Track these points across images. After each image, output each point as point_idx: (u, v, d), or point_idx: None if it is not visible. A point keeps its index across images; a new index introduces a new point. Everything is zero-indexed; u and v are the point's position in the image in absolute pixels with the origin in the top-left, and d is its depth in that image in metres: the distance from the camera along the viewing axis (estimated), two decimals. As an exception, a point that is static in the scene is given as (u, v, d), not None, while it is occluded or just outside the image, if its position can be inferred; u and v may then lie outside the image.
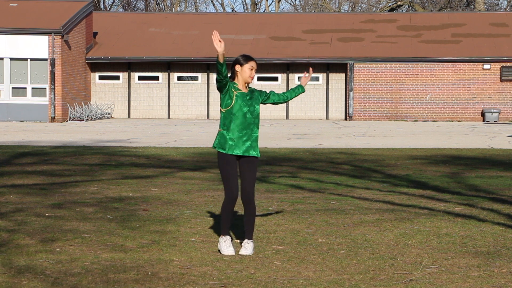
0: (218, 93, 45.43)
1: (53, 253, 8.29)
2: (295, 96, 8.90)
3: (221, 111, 8.50)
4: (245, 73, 8.43)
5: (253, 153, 8.46)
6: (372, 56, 42.64)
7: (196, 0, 77.29)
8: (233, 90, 8.43)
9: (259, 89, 8.74)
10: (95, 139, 27.00)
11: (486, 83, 42.13)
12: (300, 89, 8.91)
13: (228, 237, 8.43)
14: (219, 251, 8.44)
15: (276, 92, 8.98)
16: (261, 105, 8.83)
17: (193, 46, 44.09)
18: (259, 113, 8.56)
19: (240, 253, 8.33)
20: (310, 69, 9.45)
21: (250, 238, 8.49)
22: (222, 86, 8.38)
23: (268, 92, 8.75)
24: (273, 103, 8.82)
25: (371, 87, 42.59)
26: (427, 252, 8.50)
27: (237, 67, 8.44)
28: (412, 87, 42.49)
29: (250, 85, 42.86)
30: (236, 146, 8.42)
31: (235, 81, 8.49)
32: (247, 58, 8.44)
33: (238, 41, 44.27)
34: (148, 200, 12.30)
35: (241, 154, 8.42)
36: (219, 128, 8.49)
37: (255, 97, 8.55)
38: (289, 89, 8.59)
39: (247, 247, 8.39)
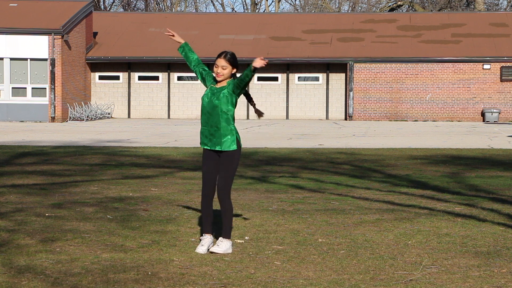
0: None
1: (53, 253, 8.29)
2: (247, 77, 8.24)
3: None
4: (215, 70, 8.53)
5: (218, 147, 8.47)
6: (372, 56, 42.64)
7: (196, 0, 77.32)
8: (207, 84, 8.62)
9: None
10: (95, 139, 27.00)
11: (486, 83, 42.13)
12: (247, 70, 8.32)
13: (204, 235, 8.53)
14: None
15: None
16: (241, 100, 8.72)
17: (193, 46, 44.05)
18: (221, 107, 8.41)
19: (210, 250, 8.37)
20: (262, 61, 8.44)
21: (225, 236, 8.45)
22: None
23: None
24: (239, 89, 8.39)
25: (371, 87, 42.59)
26: (427, 252, 8.49)
27: None
28: (412, 87, 42.49)
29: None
30: (204, 141, 8.55)
31: None
32: (217, 56, 8.50)
33: (238, 41, 44.27)
34: (148, 200, 12.30)
35: (209, 148, 8.54)
36: None
37: (222, 90, 8.47)
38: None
39: (219, 245, 8.40)
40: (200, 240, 8.66)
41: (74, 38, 41.25)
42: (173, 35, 8.79)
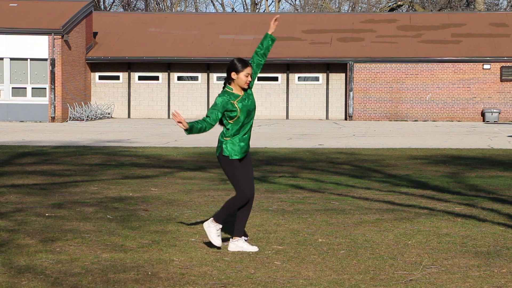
0: (217, 93, 45.49)
1: (53, 253, 8.28)
2: (267, 46, 8.58)
3: (228, 123, 8.39)
4: (241, 80, 8.34)
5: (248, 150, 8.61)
6: (372, 56, 42.64)
7: (196, 0, 77.31)
8: (232, 102, 8.33)
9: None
10: (95, 139, 27.01)
11: (486, 83, 42.14)
12: (267, 36, 8.60)
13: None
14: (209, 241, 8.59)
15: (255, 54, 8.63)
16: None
17: (193, 46, 44.09)
18: (254, 108, 8.54)
19: (249, 250, 8.42)
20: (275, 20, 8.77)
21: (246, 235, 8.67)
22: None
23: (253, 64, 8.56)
24: (260, 64, 8.59)
25: (371, 87, 42.59)
26: (427, 252, 8.49)
27: (233, 74, 8.34)
28: (412, 87, 42.50)
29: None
30: (244, 150, 8.48)
31: (232, 85, 8.40)
32: (243, 65, 8.32)
33: (238, 41, 44.27)
34: (148, 200, 12.30)
35: (244, 155, 8.53)
36: (227, 137, 8.39)
37: (251, 94, 8.48)
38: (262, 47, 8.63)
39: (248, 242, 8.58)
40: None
41: (74, 38, 41.25)
42: (180, 122, 8.11)
